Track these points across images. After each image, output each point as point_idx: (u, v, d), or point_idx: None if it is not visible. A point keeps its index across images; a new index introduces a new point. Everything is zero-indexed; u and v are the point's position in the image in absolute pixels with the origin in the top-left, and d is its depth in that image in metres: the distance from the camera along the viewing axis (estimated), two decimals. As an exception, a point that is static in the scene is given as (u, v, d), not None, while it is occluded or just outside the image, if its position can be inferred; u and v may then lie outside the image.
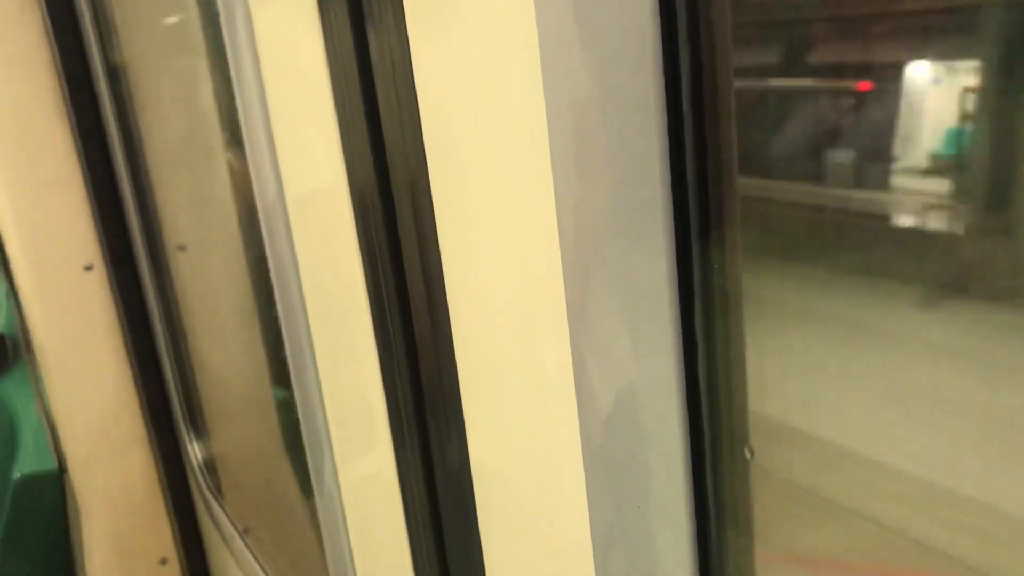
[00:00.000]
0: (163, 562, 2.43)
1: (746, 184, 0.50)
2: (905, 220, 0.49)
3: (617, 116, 0.50)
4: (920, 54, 0.45)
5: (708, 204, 0.50)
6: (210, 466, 2.24)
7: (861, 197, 0.48)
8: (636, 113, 0.49)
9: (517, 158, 0.60)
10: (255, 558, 1.87)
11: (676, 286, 0.51)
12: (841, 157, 0.49)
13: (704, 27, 0.47)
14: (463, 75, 0.64)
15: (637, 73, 0.48)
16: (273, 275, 1.10)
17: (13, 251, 2.14)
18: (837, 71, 0.48)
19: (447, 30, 0.65)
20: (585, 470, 0.61)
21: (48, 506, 2.52)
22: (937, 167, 0.45)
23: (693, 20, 0.47)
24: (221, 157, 1.66)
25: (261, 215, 1.08)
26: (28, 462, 2.51)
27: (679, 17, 0.47)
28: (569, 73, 0.52)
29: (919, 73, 0.45)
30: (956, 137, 0.45)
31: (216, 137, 1.66)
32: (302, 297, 1.06)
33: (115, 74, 2.00)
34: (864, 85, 0.47)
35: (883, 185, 0.47)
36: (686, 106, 0.48)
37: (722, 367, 0.53)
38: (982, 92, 0.41)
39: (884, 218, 0.49)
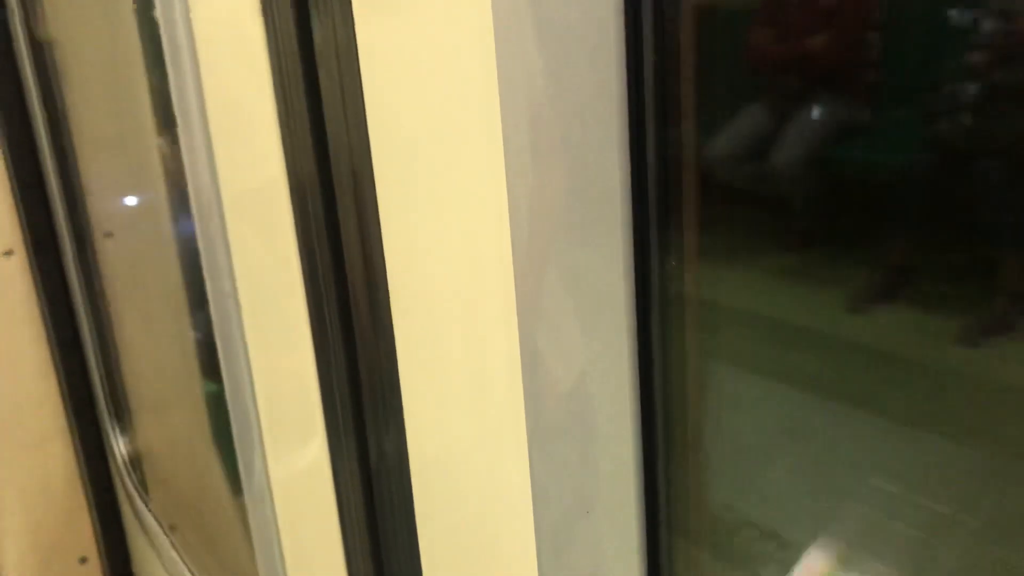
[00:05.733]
0: (83, 560, 2.35)
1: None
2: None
3: (576, 108, 0.49)
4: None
5: (669, 200, 0.49)
6: (135, 461, 2.18)
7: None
8: (596, 105, 0.48)
9: (468, 149, 0.58)
10: (180, 557, 1.82)
11: (633, 284, 0.50)
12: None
13: (670, 17, 0.46)
14: (412, 62, 0.62)
15: (598, 63, 0.47)
16: (204, 264, 1.07)
17: (-74, 234, 2.04)
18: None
19: (396, 15, 0.63)
20: (531, 472, 0.60)
21: (-40, 501, 2.42)
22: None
23: (659, 9, 0.46)
24: (152, 141, 1.61)
25: (193, 202, 1.04)
26: (-61, 455, 2.40)
27: (644, 6, 0.46)
28: (526, 61, 0.51)
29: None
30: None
31: (148, 120, 1.61)
32: (234, 286, 1.03)
33: (39, 49, 1.92)
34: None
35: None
36: (649, 99, 0.47)
37: (677, 369, 0.53)
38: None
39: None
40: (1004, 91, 0.41)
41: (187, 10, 0.93)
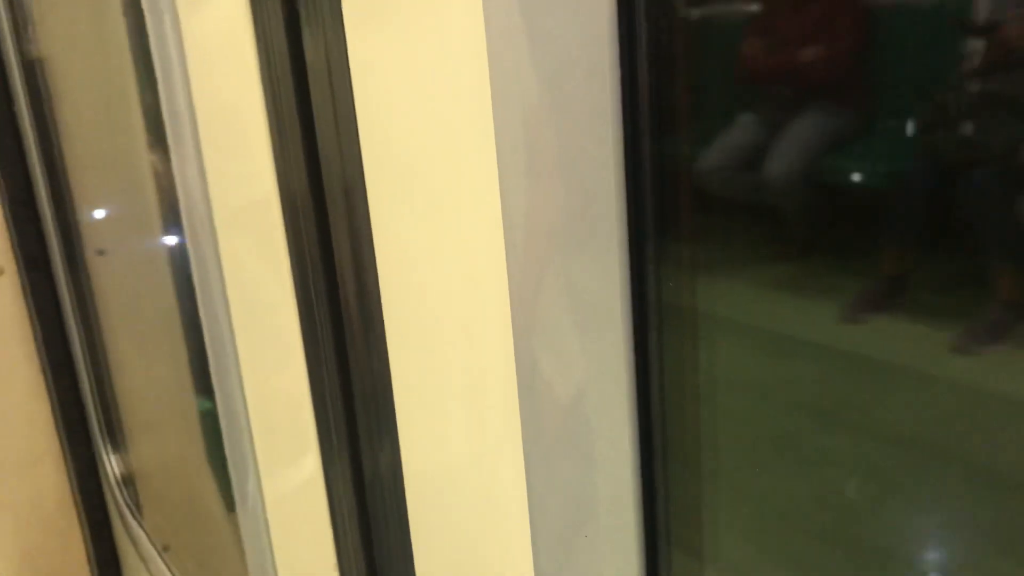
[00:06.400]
0: (75, 582, 2.32)
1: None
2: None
3: (570, 121, 0.49)
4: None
5: (665, 212, 0.49)
6: (128, 481, 2.16)
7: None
8: (590, 118, 0.47)
9: (462, 164, 0.58)
10: (174, 577, 1.80)
11: (630, 299, 0.49)
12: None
13: (663, 30, 0.46)
14: (404, 77, 0.62)
15: (592, 76, 0.47)
16: (196, 281, 1.06)
17: (-84, 253, 2.03)
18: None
19: (388, 30, 0.63)
20: (528, 489, 0.59)
21: (-50, 523, 2.39)
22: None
23: (654, 24, 0.46)
24: (145, 158, 1.60)
25: (185, 219, 1.04)
26: (-71, 476, 2.38)
27: (638, 20, 0.46)
28: (519, 76, 0.51)
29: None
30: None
31: (140, 137, 1.60)
32: (226, 303, 1.03)
33: (31, 67, 1.92)
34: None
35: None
36: (643, 113, 0.47)
37: (675, 384, 0.52)
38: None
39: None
40: (996, 100, 0.41)
41: (178, 27, 0.93)
